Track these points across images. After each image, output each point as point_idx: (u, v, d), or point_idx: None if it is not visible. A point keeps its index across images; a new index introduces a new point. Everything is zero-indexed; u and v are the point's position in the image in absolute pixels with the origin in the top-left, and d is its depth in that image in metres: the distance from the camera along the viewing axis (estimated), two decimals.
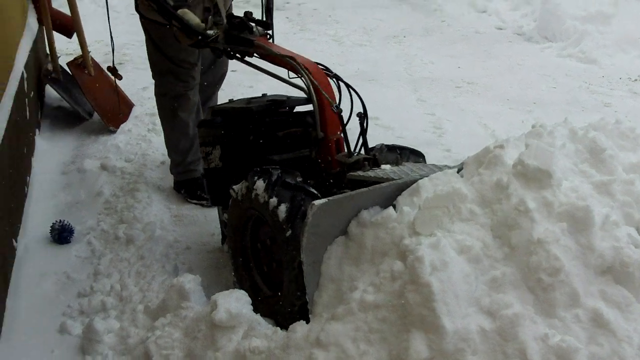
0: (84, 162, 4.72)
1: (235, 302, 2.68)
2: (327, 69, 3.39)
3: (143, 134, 5.14)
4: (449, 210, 2.47)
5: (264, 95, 3.60)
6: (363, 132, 3.28)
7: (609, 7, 7.56)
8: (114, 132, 5.20)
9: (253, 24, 3.45)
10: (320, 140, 3.21)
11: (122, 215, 4.00)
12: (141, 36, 7.14)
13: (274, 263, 3.04)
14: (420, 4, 9.49)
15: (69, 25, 5.61)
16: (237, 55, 3.52)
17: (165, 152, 4.50)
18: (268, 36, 3.57)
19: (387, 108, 5.68)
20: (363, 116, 3.28)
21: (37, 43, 5.45)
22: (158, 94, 4.32)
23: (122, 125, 5.25)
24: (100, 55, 6.82)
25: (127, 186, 4.41)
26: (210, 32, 3.45)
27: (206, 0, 3.82)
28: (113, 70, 4.68)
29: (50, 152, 4.95)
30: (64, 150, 5.00)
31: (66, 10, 5.54)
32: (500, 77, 6.55)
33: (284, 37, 7.69)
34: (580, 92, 6.20)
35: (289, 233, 2.77)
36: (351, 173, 3.06)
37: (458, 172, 2.73)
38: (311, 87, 3.18)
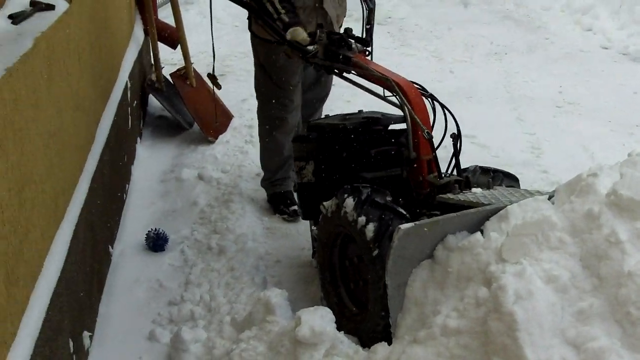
0: (182, 172, 4.84)
1: (320, 319, 2.70)
2: (422, 88, 3.41)
3: (240, 146, 5.23)
4: (537, 238, 2.43)
5: (359, 111, 3.66)
6: (456, 153, 3.25)
7: None
8: (212, 142, 5.31)
9: (352, 41, 3.49)
10: (412, 161, 3.23)
11: (216, 226, 4.09)
12: (244, 48, 7.34)
13: (361, 281, 3.06)
14: (524, 20, 9.34)
15: (174, 37, 5.76)
16: (336, 70, 3.57)
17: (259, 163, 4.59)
18: (367, 53, 3.61)
19: (485, 126, 5.61)
20: (456, 137, 3.24)
21: (142, 53, 5.62)
22: (259, 113, 4.44)
23: (220, 136, 5.35)
24: (203, 66, 6.96)
25: (222, 197, 4.49)
26: (310, 47, 3.53)
27: (319, 17, 3.98)
28: (213, 78, 4.77)
29: (150, 160, 5.09)
30: (164, 158, 5.13)
31: (172, 21, 5.69)
32: (603, 98, 6.38)
33: (384, 52, 7.71)
34: None
35: (375, 252, 2.81)
36: (441, 195, 3.05)
37: (549, 199, 2.68)
38: (405, 107, 3.17)
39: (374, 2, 4.06)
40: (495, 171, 3.41)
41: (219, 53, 7.58)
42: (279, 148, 4.34)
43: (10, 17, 2.66)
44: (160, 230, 3.93)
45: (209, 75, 4.78)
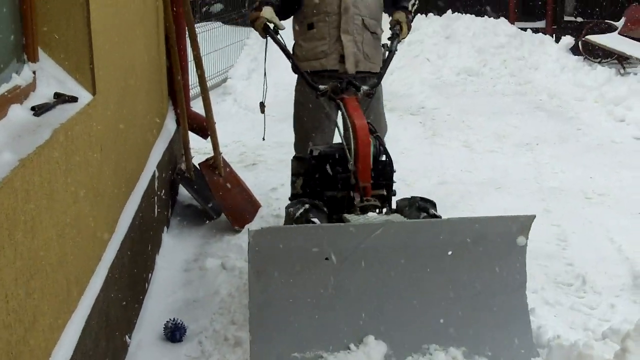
0: (206, 261, 4.87)
1: None
2: (373, 129, 4.01)
3: None
4: None
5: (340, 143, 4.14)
6: (387, 181, 4.02)
7: None
8: (238, 231, 5.35)
9: (359, 85, 4.24)
10: (355, 184, 3.86)
11: (234, 317, 4.08)
12: (277, 138, 7.48)
13: None
14: (557, 111, 9.37)
15: (205, 127, 5.88)
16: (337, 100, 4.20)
17: None
18: (371, 95, 4.36)
19: None
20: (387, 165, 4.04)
21: (173, 143, 5.72)
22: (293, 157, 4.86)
23: (246, 226, 5.38)
24: (234, 155, 7.11)
25: (244, 286, 4.48)
26: (322, 87, 4.28)
27: (339, 48, 4.71)
28: (261, 105, 4.92)
29: (175, 249, 5.13)
30: (189, 247, 5.17)
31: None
32: (634, 190, 6.33)
33: (416, 141, 7.80)
34: None
35: None
36: (344, 215, 3.68)
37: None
38: (352, 144, 3.87)
39: (396, 46, 4.59)
40: (413, 197, 3.94)
41: (252, 143, 7.77)
42: None
43: (32, 108, 2.75)
44: (179, 321, 3.93)
45: (260, 103, 4.94)
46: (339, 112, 4.22)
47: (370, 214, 3.72)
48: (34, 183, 2.36)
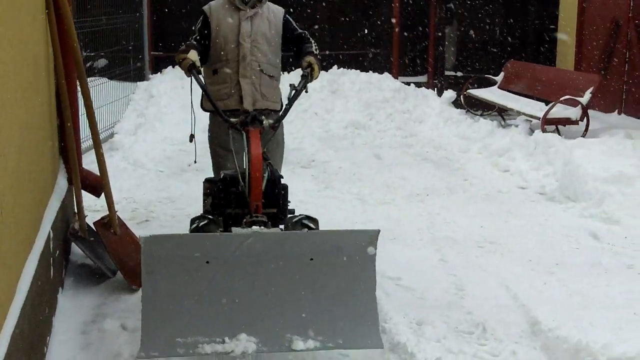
0: (105, 322, 4.73)
1: None
2: (267, 158, 4.77)
3: None
4: None
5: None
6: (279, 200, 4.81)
7: (632, 169, 7.61)
8: (136, 290, 5.23)
9: (264, 118, 4.84)
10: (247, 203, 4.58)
11: None
12: (168, 193, 7.40)
13: None
14: (443, 162, 9.63)
15: (98, 186, 5.76)
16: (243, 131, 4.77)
17: None
18: (272, 129, 4.98)
19: (409, 268, 5.71)
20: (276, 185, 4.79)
21: (66, 201, 5.58)
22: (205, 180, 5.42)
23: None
24: (127, 212, 6.98)
25: None
26: (233, 120, 4.84)
27: (239, 90, 5.55)
28: (191, 136, 5.41)
29: (72, 310, 4.97)
30: (86, 309, 5.02)
31: (95, 168, 5.70)
32: (523, 237, 6.55)
33: (308, 194, 7.83)
34: (604, 253, 6.17)
35: None
36: (232, 228, 4.37)
37: None
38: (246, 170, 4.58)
39: (304, 86, 5.14)
40: (299, 215, 4.89)
41: (143, 199, 7.67)
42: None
43: None
44: None
45: (190, 135, 5.42)
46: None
47: (254, 227, 4.25)
48: None
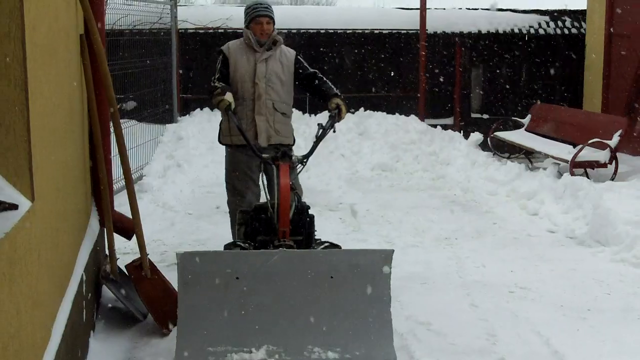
0: None
1: None
2: (294, 188, 5.17)
3: None
4: None
5: None
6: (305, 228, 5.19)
7: None
8: (166, 334, 5.24)
9: (293, 154, 5.35)
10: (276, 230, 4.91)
11: None
12: (198, 236, 7.43)
13: None
14: (472, 205, 9.60)
15: (129, 228, 5.80)
16: (274, 165, 5.18)
17: None
18: (302, 164, 5.39)
19: (440, 313, 5.66)
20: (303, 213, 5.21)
21: (97, 244, 5.62)
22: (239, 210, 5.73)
23: (175, 328, 5.27)
24: (156, 255, 7.01)
25: None
26: (265, 155, 5.29)
27: (254, 127, 6.22)
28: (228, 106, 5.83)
29: (103, 353, 4.97)
30: (117, 352, 5.02)
31: (127, 210, 5.73)
32: (553, 282, 6.49)
33: (337, 238, 7.77)
34: (636, 298, 6.10)
35: None
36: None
37: None
38: (275, 203, 4.96)
39: (332, 126, 5.60)
40: (324, 241, 5.24)
41: (172, 241, 7.70)
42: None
43: None
44: None
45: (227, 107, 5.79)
46: (261, 175, 6.07)
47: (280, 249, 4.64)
48: None
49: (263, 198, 5.77)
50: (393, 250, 4.47)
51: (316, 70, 6.37)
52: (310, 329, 4.39)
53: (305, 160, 5.38)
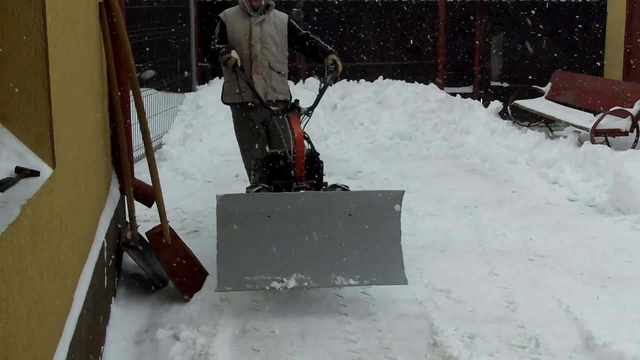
0: (157, 332, 4.78)
1: None
2: (307, 136, 5.80)
3: (216, 304, 5.17)
4: None
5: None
6: (318, 172, 5.80)
7: None
8: (187, 300, 5.27)
9: (300, 106, 5.78)
10: (293, 176, 5.52)
11: None
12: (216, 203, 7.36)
13: None
14: (490, 174, 9.56)
15: (150, 196, 5.82)
16: (283, 117, 5.87)
17: (237, 323, 4.62)
18: (307, 115, 5.91)
19: (459, 281, 5.66)
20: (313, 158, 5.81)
21: (118, 212, 5.65)
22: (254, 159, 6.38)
23: (195, 294, 5.31)
24: (175, 223, 7.02)
25: (199, 357, 4.43)
26: (274, 108, 5.94)
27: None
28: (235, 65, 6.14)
29: (124, 320, 5.03)
30: (138, 318, 5.07)
31: (147, 177, 5.74)
32: (573, 250, 6.47)
33: None
34: None
35: None
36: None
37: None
38: (291, 149, 5.54)
39: (331, 80, 6.16)
40: (335, 184, 5.89)
41: (192, 209, 7.72)
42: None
43: None
44: None
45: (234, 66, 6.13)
46: (263, 126, 6.73)
47: (302, 192, 5.24)
48: (7, 263, 2.31)
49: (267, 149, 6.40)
50: (403, 191, 5.21)
51: (308, 32, 6.80)
52: (332, 259, 5.02)
53: (310, 112, 5.90)
